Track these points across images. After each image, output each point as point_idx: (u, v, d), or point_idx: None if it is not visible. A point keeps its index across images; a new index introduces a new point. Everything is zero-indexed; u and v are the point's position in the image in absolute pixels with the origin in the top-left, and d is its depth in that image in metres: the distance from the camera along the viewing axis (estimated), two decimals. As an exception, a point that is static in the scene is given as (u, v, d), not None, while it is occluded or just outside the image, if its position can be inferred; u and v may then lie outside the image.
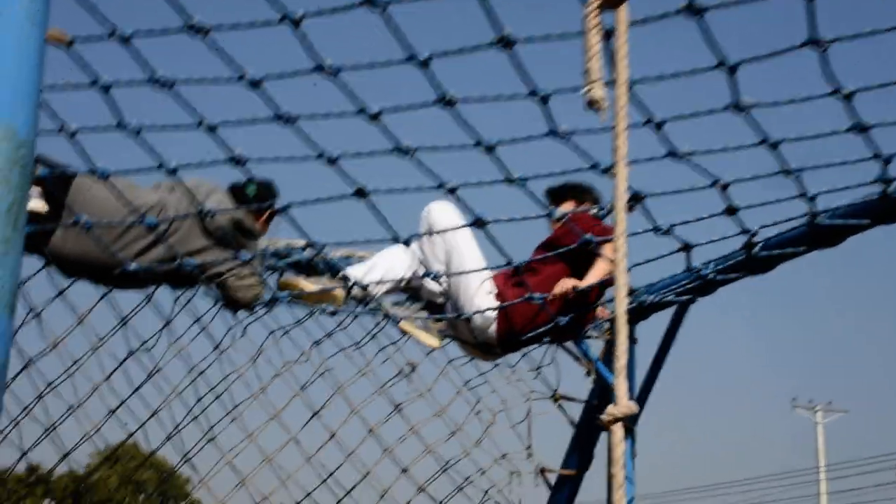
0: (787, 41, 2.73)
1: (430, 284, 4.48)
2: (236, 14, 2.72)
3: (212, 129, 3.11)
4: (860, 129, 3.13)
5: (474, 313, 4.38)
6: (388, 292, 4.52)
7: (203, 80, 2.93)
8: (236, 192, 4.12)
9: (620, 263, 2.25)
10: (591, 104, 2.25)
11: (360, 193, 3.45)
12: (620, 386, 2.22)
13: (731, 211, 3.69)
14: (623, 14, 2.25)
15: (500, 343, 4.51)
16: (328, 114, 3.12)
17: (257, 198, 4.10)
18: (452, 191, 3.49)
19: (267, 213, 4.28)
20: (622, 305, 2.24)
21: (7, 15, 1.72)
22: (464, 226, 4.14)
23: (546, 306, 4.35)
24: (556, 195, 4.74)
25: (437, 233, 4.39)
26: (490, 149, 3.26)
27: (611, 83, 2.32)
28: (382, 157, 3.29)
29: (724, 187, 3.53)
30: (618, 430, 2.17)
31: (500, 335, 4.45)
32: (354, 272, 4.38)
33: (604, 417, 2.18)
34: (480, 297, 4.39)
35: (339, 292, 4.37)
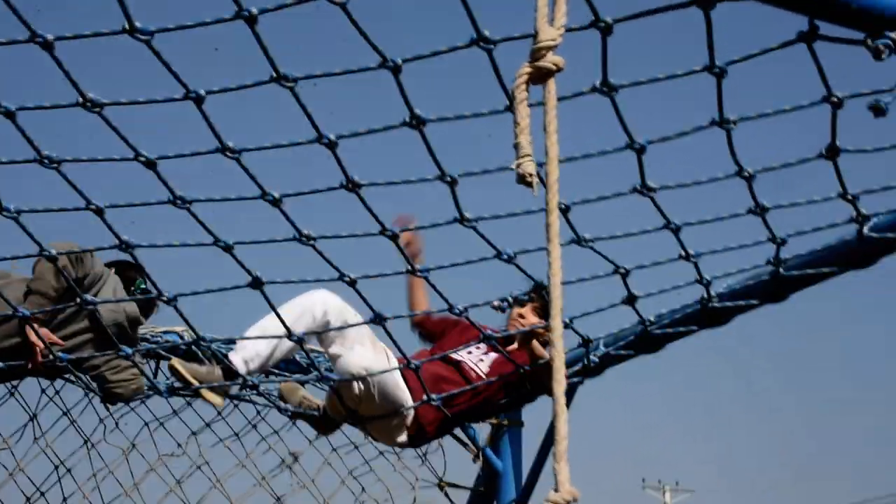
0: (696, 118, 2.76)
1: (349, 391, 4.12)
2: (139, 89, 2.57)
3: (99, 211, 2.90)
4: (759, 210, 3.17)
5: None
6: (273, 366, 4.18)
7: (94, 159, 2.75)
8: (124, 276, 3.84)
9: (557, 344, 2.16)
10: (522, 179, 2.20)
11: (256, 284, 3.28)
12: (562, 470, 2.11)
13: (630, 300, 3.69)
14: (552, 88, 2.21)
15: (410, 441, 4.31)
16: (226, 198, 2.96)
17: (143, 292, 3.84)
18: (352, 283, 3.36)
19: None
20: (560, 387, 2.15)
21: None
22: (365, 322, 3.90)
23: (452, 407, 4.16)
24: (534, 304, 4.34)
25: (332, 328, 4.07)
26: (394, 237, 3.16)
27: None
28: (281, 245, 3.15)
29: (625, 275, 3.52)
30: (561, 518, 2.06)
31: (410, 437, 4.23)
32: (241, 357, 3.98)
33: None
34: (397, 425, 4.13)
35: (217, 398, 4.03)
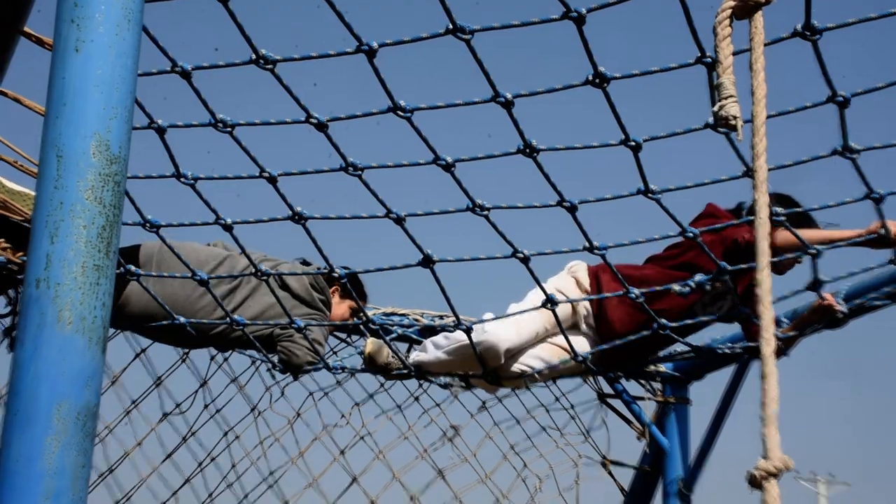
0: None
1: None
2: (310, 47, 2.50)
3: (272, 179, 2.85)
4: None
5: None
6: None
7: (267, 122, 2.69)
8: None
9: (765, 299, 1.97)
10: (725, 122, 2.02)
11: (427, 262, 3.18)
12: (772, 436, 1.91)
13: (815, 285, 3.44)
14: (759, 23, 2.03)
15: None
16: (398, 164, 2.87)
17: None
18: (525, 260, 3.22)
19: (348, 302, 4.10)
20: (769, 347, 1.96)
21: (103, 15, 1.53)
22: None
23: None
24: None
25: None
26: (573, 208, 3.00)
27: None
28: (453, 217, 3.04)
29: (815, 255, 3.27)
30: (772, 488, 1.86)
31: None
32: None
33: (755, 472, 1.87)
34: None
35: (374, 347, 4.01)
